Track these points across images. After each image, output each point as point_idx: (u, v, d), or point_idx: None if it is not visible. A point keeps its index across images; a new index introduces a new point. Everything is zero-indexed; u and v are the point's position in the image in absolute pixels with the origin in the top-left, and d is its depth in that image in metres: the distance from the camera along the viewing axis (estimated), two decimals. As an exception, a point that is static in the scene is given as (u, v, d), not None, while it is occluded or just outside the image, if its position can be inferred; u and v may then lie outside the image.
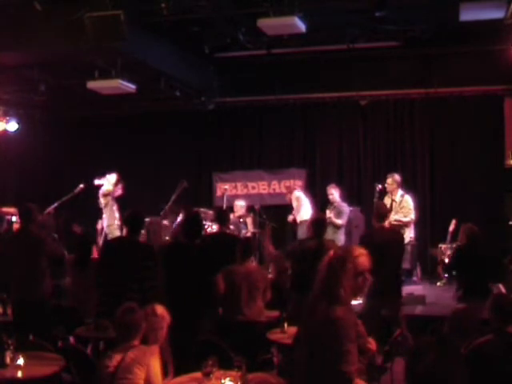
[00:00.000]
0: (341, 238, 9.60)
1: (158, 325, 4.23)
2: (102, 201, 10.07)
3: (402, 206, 9.04)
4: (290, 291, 6.38)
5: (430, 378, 2.88)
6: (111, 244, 6.58)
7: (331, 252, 3.44)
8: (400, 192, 9.12)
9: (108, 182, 10.13)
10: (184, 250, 5.63)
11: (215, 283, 5.50)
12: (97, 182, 10.31)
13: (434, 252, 10.37)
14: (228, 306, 5.77)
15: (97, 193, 10.16)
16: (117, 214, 9.94)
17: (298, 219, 10.51)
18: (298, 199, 10.76)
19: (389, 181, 9.17)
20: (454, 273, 7.45)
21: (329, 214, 9.56)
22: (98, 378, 3.97)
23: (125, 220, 6.04)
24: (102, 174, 10.30)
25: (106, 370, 3.88)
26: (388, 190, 9.14)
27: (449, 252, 10.27)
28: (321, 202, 10.70)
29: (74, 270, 6.58)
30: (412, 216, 9.05)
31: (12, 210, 9.42)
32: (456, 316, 4.40)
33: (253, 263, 6.19)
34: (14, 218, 9.23)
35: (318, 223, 6.54)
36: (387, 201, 9.11)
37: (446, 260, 10.21)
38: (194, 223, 5.77)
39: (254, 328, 5.60)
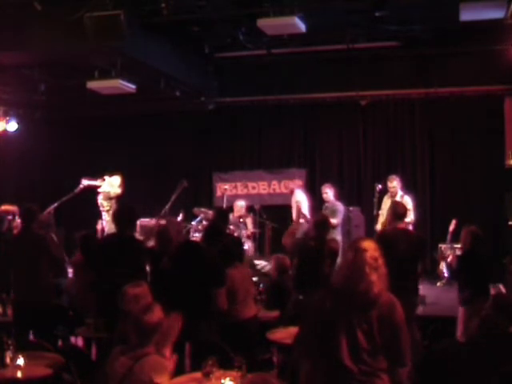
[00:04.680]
0: (338, 238, 9.55)
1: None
2: (104, 203, 9.96)
3: None
4: (292, 290, 6.38)
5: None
6: (105, 242, 6.57)
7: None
8: (400, 193, 9.11)
9: (111, 185, 10.04)
10: (190, 251, 5.67)
11: (217, 296, 5.41)
12: (86, 182, 10.12)
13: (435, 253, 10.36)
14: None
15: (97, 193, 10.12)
16: None
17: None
18: (297, 202, 10.50)
19: (392, 184, 9.10)
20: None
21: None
22: (103, 378, 3.67)
23: (115, 217, 5.94)
24: (94, 175, 10.18)
25: (112, 372, 3.55)
26: (391, 192, 9.09)
27: (449, 252, 10.27)
28: (320, 202, 10.67)
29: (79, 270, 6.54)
30: (412, 216, 9.03)
31: (11, 208, 9.35)
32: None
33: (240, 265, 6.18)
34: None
35: (321, 224, 6.58)
36: (387, 201, 9.09)
37: (446, 262, 10.23)
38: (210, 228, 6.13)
39: (249, 326, 5.63)
